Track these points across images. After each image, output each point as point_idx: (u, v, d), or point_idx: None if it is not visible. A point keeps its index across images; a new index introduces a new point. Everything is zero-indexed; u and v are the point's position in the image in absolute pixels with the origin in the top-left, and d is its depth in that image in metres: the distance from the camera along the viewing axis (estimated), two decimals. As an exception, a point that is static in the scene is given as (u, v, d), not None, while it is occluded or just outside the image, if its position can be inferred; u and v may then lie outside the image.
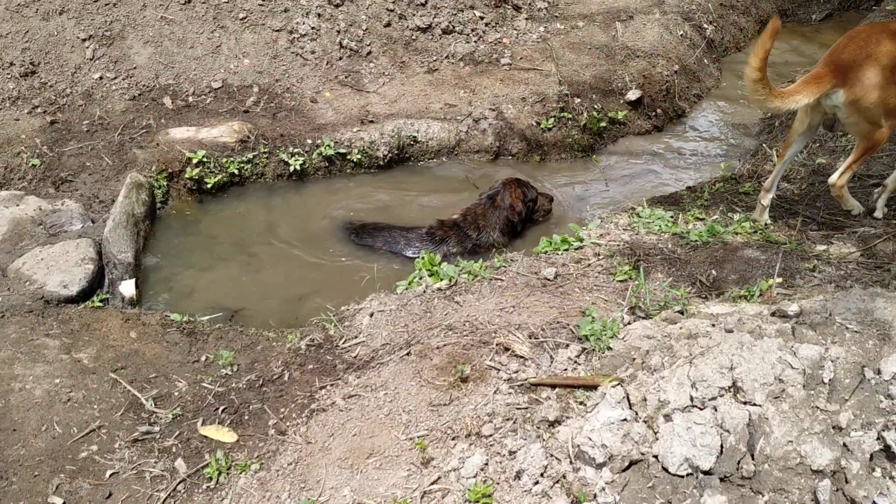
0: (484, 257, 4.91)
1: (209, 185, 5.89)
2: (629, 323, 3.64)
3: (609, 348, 3.42)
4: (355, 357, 3.97)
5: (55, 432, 3.55)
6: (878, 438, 2.46)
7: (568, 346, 3.55)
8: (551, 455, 2.88)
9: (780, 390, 2.61)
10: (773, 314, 3.10)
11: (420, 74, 6.91)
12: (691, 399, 2.74)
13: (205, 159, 5.90)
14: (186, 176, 5.86)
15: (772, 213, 5.12)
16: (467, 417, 3.27)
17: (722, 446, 2.59)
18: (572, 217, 5.75)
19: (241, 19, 6.86)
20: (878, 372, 2.59)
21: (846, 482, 2.40)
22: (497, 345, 3.66)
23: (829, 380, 2.63)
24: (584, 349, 3.51)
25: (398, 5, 7.25)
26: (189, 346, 4.27)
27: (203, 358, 4.14)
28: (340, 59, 6.92)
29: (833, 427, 2.54)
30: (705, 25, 8.46)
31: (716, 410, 2.66)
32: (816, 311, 2.99)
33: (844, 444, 2.48)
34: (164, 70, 6.60)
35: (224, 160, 5.98)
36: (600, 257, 4.67)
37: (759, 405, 2.61)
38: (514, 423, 3.17)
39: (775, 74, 8.46)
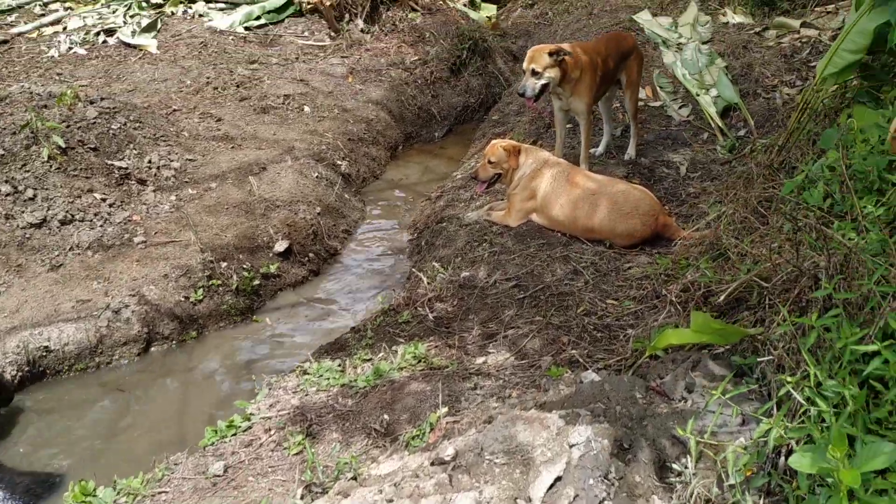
0: None
1: None
2: (304, 508, 3.36)
3: (284, 547, 3.10)
4: None
5: None
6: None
7: (240, 557, 3.16)
8: None
9: (447, 555, 2.48)
10: (432, 463, 3.01)
11: (42, 275, 6.18)
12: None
13: None
14: None
15: (431, 338, 5.21)
16: None
17: None
18: (241, 393, 5.39)
19: None
20: (529, 500, 2.57)
21: None
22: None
23: (490, 525, 2.56)
24: (259, 555, 3.15)
25: (2, 205, 6.50)
26: None
27: None
28: (-62, 278, 5.96)
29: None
30: (339, 162, 8.76)
31: None
32: (470, 447, 2.96)
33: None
34: None
35: None
36: (271, 433, 4.36)
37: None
38: None
39: (415, 194, 8.99)
